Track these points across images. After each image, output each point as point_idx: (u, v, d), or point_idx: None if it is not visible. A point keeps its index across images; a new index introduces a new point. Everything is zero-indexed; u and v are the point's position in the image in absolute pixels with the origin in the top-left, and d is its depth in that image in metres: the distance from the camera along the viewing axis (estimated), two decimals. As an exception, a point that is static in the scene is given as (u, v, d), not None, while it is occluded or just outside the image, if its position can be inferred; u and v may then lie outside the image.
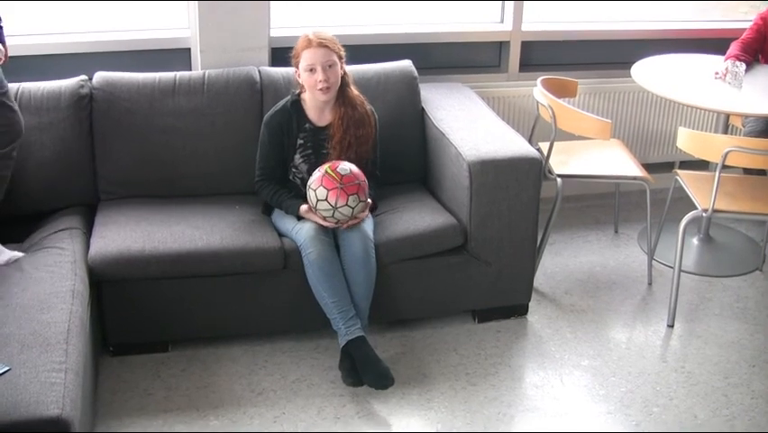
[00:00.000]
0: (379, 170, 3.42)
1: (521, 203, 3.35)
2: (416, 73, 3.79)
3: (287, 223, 3.26)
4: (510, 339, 3.45)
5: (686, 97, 3.78)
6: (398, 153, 3.66)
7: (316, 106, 3.32)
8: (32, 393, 2.24)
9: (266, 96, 3.57)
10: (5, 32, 3.16)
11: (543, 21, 4.44)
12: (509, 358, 3.33)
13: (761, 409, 3.07)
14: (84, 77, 3.48)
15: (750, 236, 4.31)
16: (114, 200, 3.45)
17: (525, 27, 4.33)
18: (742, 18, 4.76)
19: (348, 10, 4.23)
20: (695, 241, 4.17)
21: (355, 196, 3.08)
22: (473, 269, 3.40)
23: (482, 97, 3.99)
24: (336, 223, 3.13)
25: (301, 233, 3.15)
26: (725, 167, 3.39)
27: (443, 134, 3.52)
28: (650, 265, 3.93)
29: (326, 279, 3.07)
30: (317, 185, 3.10)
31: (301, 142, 3.33)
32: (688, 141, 3.50)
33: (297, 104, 3.33)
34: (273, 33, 3.86)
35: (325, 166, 3.14)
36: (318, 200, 3.08)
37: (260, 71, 3.65)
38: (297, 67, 3.28)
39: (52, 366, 2.36)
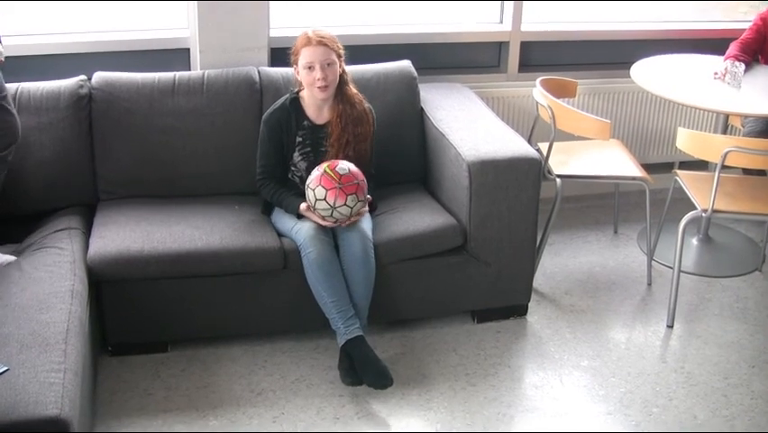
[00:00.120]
0: (375, 168, 3.41)
1: (520, 203, 3.35)
2: (415, 73, 3.79)
3: (286, 223, 3.26)
4: (510, 340, 3.45)
5: (685, 98, 3.78)
6: (398, 154, 3.66)
7: (315, 104, 3.32)
8: (30, 393, 2.24)
9: (265, 96, 3.57)
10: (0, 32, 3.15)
11: (542, 21, 4.44)
12: (509, 358, 3.33)
13: (760, 410, 3.07)
14: (83, 77, 3.48)
15: (749, 237, 4.31)
16: (113, 200, 3.45)
17: (525, 27, 4.33)
18: (741, 18, 4.76)
19: (348, 10, 4.23)
20: (694, 241, 4.17)
21: (354, 195, 3.08)
22: (473, 269, 3.40)
23: (482, 98, 4.00)
24: (335, 222, 3.13)
25: (301, 232, 3.15)
26: (724, 167, 3.39)
27: (443, 135, 3.52)
28: (649, 266, 3.93)
29: (326, 278, 3.07)
30: (316, 184, 3.10)
31: (300, 139, 3.33)
32: (687, 141, 3.50)
33: (295, 101, 3.33)
34: (273, 34, 3.86)
35: (324, 165, 3.14)
36: (317, 200, 3.08)
37: (259, 71, 3.64)
38: (296, 64, 3.28)
39: (51, 366, 2.36)
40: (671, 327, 3.57)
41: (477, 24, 4.39)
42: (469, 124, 3.58)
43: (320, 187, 3.08)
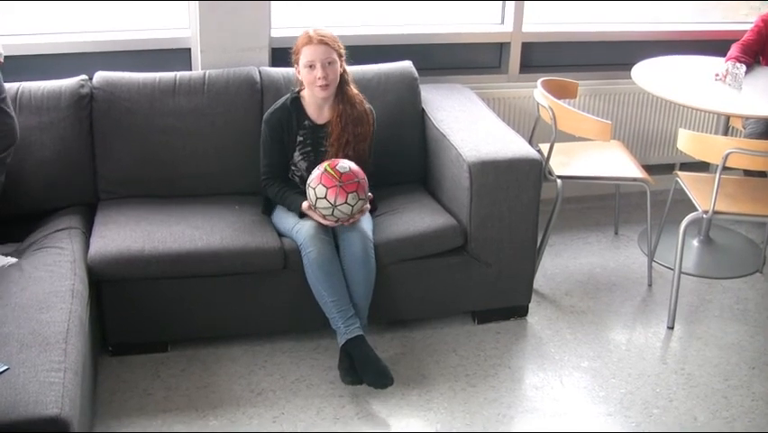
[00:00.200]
0: (374, 167, 3.38)
1: (521, 204, 3.35)
2: (416, 74, 3.79)
3: (286, 222, 3.26)
4: (510, 340, 3.45)
5: (686, 99, 3.78)
6: (398, 154, 3.66)
7: (315, 103, 3.32)
8: (30, 393, 2.24)
9: (266, 96, 3.57)
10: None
11: (543, 22, 4.44)
12: (509, 359, 3.33)
13: (761, 412, 3.07)
14: (84, 76, 3.48)
15: (750, 238, 4.31)
16: (114, 200, 3.45)
17: (526, 28, 4.33)
18: (742, 20, 4.76)
19: (349, 10, 4.23)
20: (695, 242, 4.17)
21: (354, 194, 3.08)
22: (473, 270, 3.40)
23: (483, 98, 4.00)
24: (336, 221, 3.13)
25: (301, 232, 3.14)
26: (725, 168, 3.39)
27: (444, 135, 3.52)
28: (650, 267, 3.93)
29: (326, 278, 3.06)
30: (316, 183, 3.09)
31: (300, 139, 3.33)
32: (688, 142, 3.50)
33: (296, 101, 3.33)
34: (274, 34, 3.86)
35: (325, 164, 3.14)
36: (317, 198, 3.08)
37: (260, 71, 3.64)
38: (297, 63, 3.28)
39: (51, 366, 2.35)
40: (671, 328, 3.57)
41: (478, 25, 4.39)
42: (470, 125, 3.58)
43: (321, 185, 3.08)
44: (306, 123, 3.33)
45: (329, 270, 3.07)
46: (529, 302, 3.58)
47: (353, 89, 3.36)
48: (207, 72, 3.59)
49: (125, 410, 2.95)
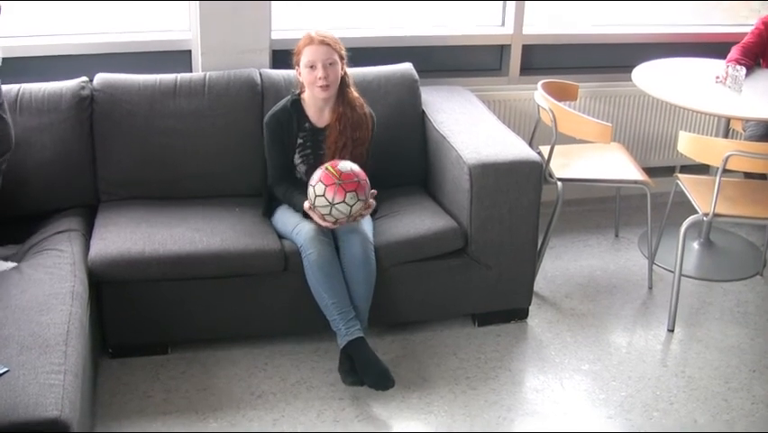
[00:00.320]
0: (371, 171, 3.36)
1: (521, 206, 3.35)
2: (416, 76, 3.79)
3: (287, 224, 3.25)
4: (510, 343, 3.44)
5: (687, 101, 3.78)
6: (399, 156, 3.66)
7: (316, 105, 3.32)
8: (30, 395, 2.24)
9: (267, 98, 3.57)
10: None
11: (544, 24, 4.44)
12: (509, 362, 3.32)
13: (761, 414, 3.07)
14: (85, 78, 3.48)
15: (750, 241, 4.31)
16: (114, 202, 3.45)
17: (527, 31, 4.33)
18: (743, 22, 4.76)
19: (349, 12, 4.23)
20: (695, 245, 4.17)
21: (353, 193, 3.05)
22: (473, 272, 3.39)
23: (483, 101, 4.00)
24: (334, 222, 3.11)
25: (301, 234, 3.14)
26: (725, 171, 3.39)
27: (444, 137, 3.52)
28: (650, 269, 3.92)
29: (326, 279, 3.06)
30: (316, 181, 3.09)
31: (300, 141, 3.33)
32: (688, 145, 3.50)
33: (297, 103, 3.33)
34: (274, 36, 3.86)
35: (327, 164, 3.14)
36: (316, 196, 3.07)
37: (260, 73, 3.64)
38: (298, 65, 3.28)
39: (51, 368, 2.35)
40: (671, 330, 3.56)
41: (478, 27, 4.39)
42: (470, 127, 3.58)
43: (320, 183, 3.07)
44: (307, 125, 3.33)
45: (329, 272, 3.07)
46: (529, 305, 3.58)
47: (354, 92, 3.36)
48: (208, 74, 3.59)
49: (125, 413, 2.95)
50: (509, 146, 3.42)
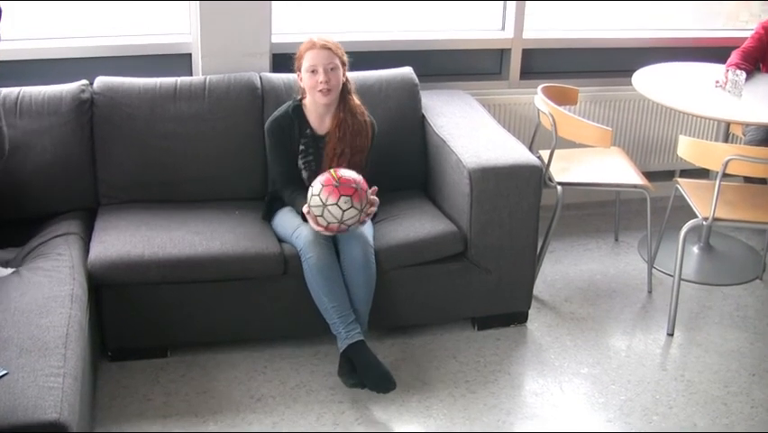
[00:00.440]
0: (370, 177, 3.35)
1: (521, 210, 3.35)
2: (416, 80, 3.79)
3: (286, 228, 3.25)
4: (510, 347, 3.44)
5: (686, 106, 3.78)
6: (399, 160, 3.66)
7: (317, 112, 3.32)
8: (29, 397, 2.23)
9: (267, 101, 3.58)
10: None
11: (544, 28, 4.45)
12: (509, 366, 3.32)
13: (761, 418, 3.07)
14: (85, 81, 3.48)
15: (750, 245, 4.31)
16: (114, 205, 3.45)
17: (527, 35, 4.33)
18: (743, 27, 4.77)
19: (349, 16, 4.23)
20: (695, 249, 4.17)
21: (348, 198, 3.02)
22: (473, 276, 3.39)
23: (483, 105, 4.00)
24: (327, 226, 3.06)
25: (300, 237, 3.14)
26: (725, 175, 3.39)
27: (444, 141, 3.52)
28: (650, 273, 3.92)
29: (326, 283, 3.06)
30: (315, 181, 3.08)
31: (302, 147, 3.32)
32: (688, 149, 3.51)
33: (298, 109, 3.33)
34: (274, 39, 3.86)
35: (331, 168, 3.13)
36: (312, 195, 3.06)
37: (261, 77, 3.65)
38: (300, 70, 3.28)
39: (51, 371, 2.35)
40: (671, 334, 3.56)
41: (478, 31, 4.39)
42: (470, 131, 3.58)
43: (317, 183, 3.07)
44: (308, 131, 3.32)
45: (329, 275, 3.07)
46: (529, 308, 3.58)
47: (355, 99, 3.35)
48: (208, 78, 3.60)
49: (125, 416, 2.95)
50: (509, 150, 3.43)
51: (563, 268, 4.06)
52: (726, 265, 4.16)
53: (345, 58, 3.30)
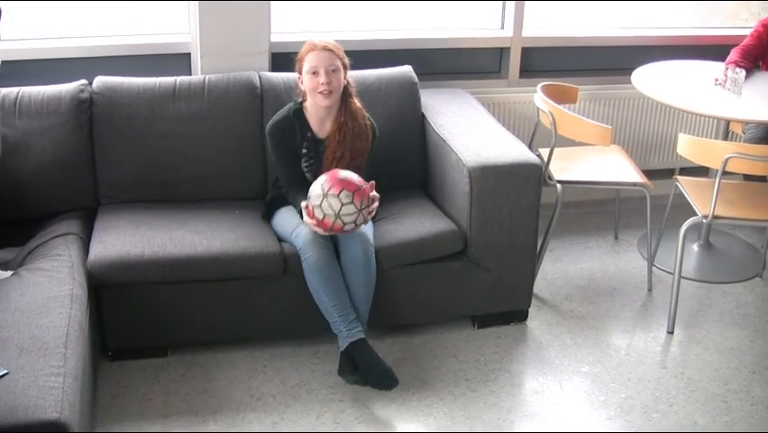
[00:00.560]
0: (369, 177, 3.35)
1: (521, 209, 3.35)
2: (416, 79, 3.79)
3: (286, 227, 3.25)
4: (510, 345, 3.44)
5: (686, 104, 3.78)
6: (399, 159, 3.66)
7: (318, 115, 3.31)
8: (30, 397, 2.24)
9: (266, 101, 3.58)
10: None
11: (543, 27, 4.44)
12: (509, 364, 3.32)
13: (761, 416, 3.07)
14: (84, 81, 3.48)
15: (750, 243, 4.31)
16: (114, 204, 3.45)
17: (526, 33, 4.33)
18: (742, 25, 4.76)
19: (349, 15, 4.23)
20: (695, 247, 4.17)
21: (349, 193, 3.01)
22: (473, 274, 3.40)
23: (483, 103, 4.00)
24: (322, 219, 3.03)
25: (300, 237, 3.14)
26: (725, 173, 3.39)
27: (444, 140, 3.52)
28: (650, 271, 3.93)
29: (326, 282, 3.06)
30: (321, 175, 3.10)
31: (304, 151, 3.32)
32: (688, 147, 3.51)
33: (299, 112, 3.32)
34: (274, 39, 3.86)
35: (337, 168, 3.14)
36: (315, 184, 3.06)
37: (260, 76, 3.65)
38: (300, 72, 3.27)
39: (51, 370, 2.35)
40: (671, 332, 3.56)
41: (478, 30, 4.39)
42: (470, 130, 3.59)
43: (323, 175, 3.08)
44: (309, 135, 3.31)
45: (329, 274, 3.07)
46: (529, 307, 3.58)
47: (357, 103, 3.35)
48: (207, 77, 3.60)
49: (125, 415, 2.95)
50: (509, 149, 3.43)
51: (563, 266, 4.06)
52: (726, 263, 4.16)
53: (347, 60, 3.29)
